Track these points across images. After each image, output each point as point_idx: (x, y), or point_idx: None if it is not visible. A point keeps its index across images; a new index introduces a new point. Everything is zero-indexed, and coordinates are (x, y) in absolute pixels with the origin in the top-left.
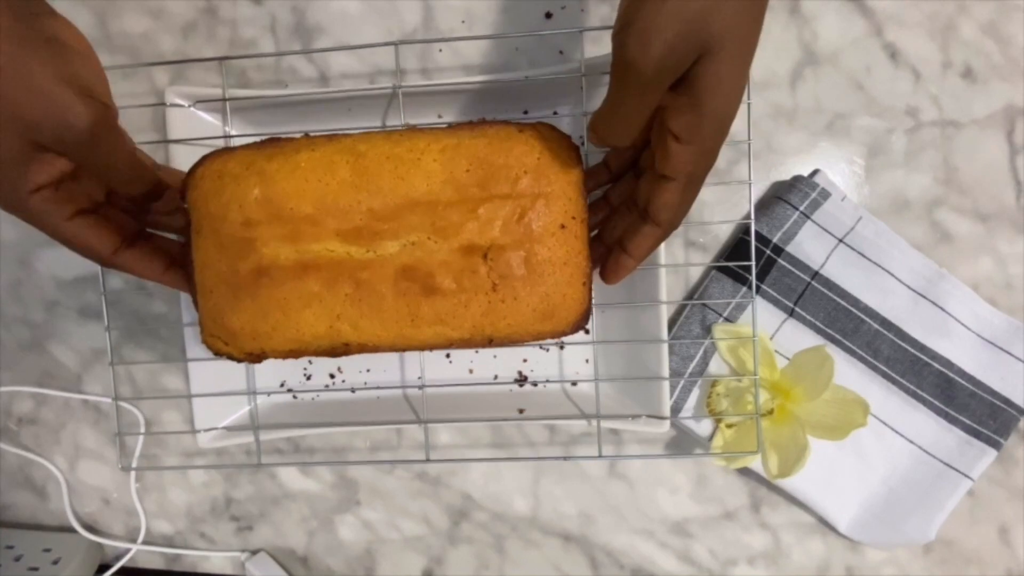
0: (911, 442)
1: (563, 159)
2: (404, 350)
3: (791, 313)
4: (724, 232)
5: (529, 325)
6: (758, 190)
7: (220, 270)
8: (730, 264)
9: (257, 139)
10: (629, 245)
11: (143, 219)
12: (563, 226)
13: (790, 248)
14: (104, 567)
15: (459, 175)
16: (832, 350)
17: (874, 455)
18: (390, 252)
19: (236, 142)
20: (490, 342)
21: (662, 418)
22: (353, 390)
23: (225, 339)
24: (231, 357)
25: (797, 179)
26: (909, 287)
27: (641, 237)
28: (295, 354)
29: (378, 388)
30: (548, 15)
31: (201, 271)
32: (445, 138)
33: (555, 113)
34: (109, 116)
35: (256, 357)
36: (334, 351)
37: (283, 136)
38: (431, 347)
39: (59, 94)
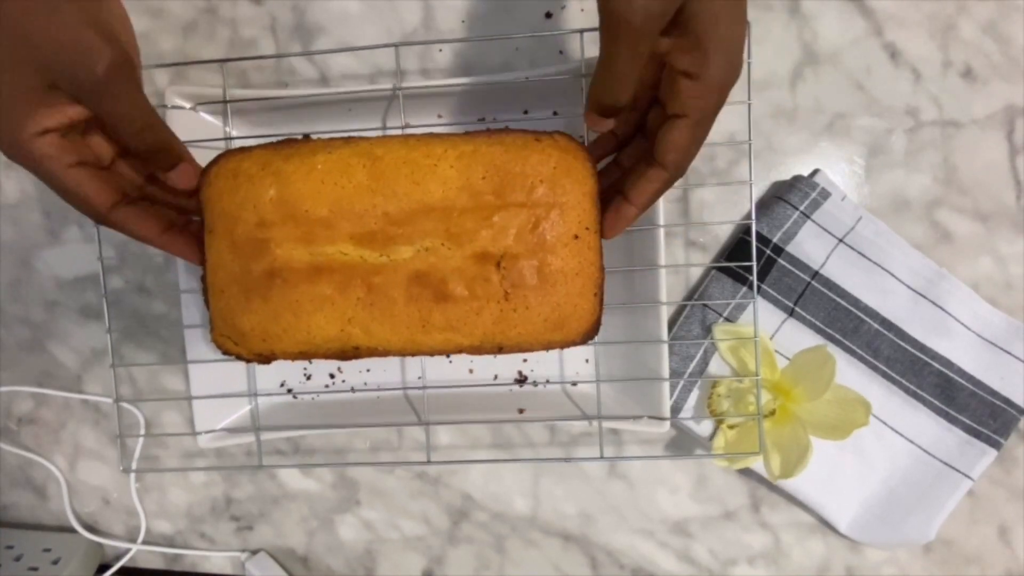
0: (911, 442)
1: (579, 169)
2: (414, 355)
3: (791, 313)
4: (724, 232)
5: (540, 334)
6: (758, 190)
7: (232, 270)
8: (730, 264)
9: (257, 140)
10: (631, 192)
11: (155, 190)
12: (577, 236)
13: (790, 248)
14: (104, 567)
15: (475, 182)
16: (832, 350)
17: (874, 455)
18: (404, 257)
19: (237, 143)
20: (500, 350)
21: (662, 419)
22: (353, 390)
23: (235, 339)
24: (240, 357)
25: (797, 179)
26: (909, 287)
27: (645, 181)
28: (304, 356)
29: (378, 389)
30: (548, 15)
31: (213, 271)
32: (462, 144)
33: (555, 113)
34: (128, 65)
35: (265, 358)
36: (344, 354)
37: (297, 136)
38: (441, 353)
39: (83, 35)
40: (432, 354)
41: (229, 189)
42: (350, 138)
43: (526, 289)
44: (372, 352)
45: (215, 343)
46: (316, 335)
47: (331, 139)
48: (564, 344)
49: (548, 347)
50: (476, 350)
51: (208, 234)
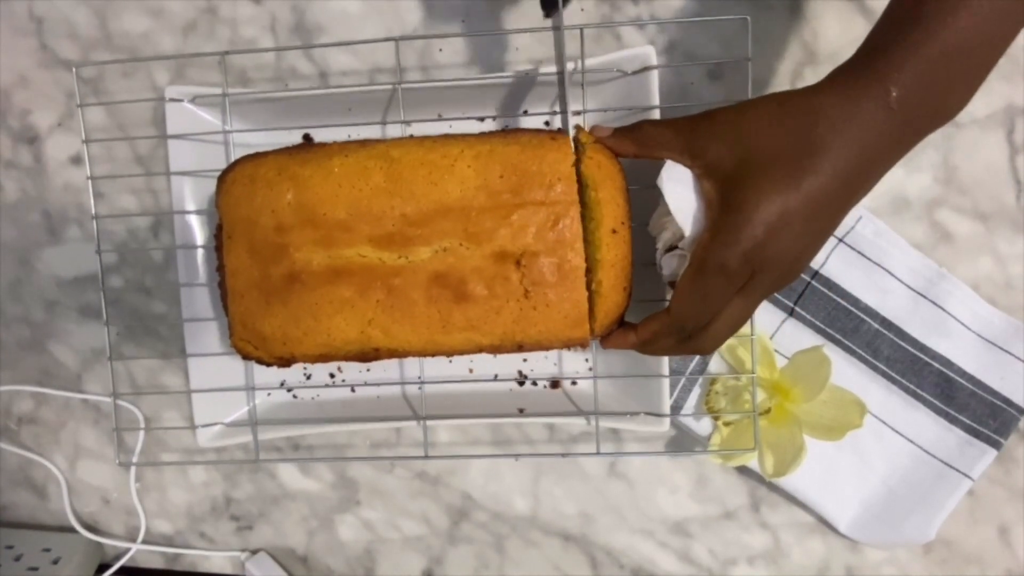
0: (911, 442)
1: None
2: (434, 355)
3: (791, 312)
4: None
5: (560, 332)
6: None
7: (252, 275)
8: None
9: (256, 134)
10: (640, 324)
11: None
12: (614, 231)
13: None
14: (104, 567)
15: (493, 181)
16: (832, 350)
17: (874, 455)
18: (422, 258)
19: (236, 139)
20: (520, 348)
21: (661, 415)
22: (353, 388)
23: (255, 343)
24: (260, 361)
25: None
26: (909, 287)
27: (651, 319)
28: (325, 359)
29: (378, 386)
30: (548, 15)
31: (233, 276)
32: (478, 144)
33: (555, 113)
34: None
35: (286, 361)
36: (364, 356)
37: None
38: (461, 353)
39: None
40: (452, 354)
41: (246, 195)
42: (365, 141)
43: (546, 286)
44: (392, 353)
45: (235, 347)
46: (336, 337)
47: (346, 142)
48: (584, 341)
49: (568, 344)
50: (496, 349)
51: (227, 240)
